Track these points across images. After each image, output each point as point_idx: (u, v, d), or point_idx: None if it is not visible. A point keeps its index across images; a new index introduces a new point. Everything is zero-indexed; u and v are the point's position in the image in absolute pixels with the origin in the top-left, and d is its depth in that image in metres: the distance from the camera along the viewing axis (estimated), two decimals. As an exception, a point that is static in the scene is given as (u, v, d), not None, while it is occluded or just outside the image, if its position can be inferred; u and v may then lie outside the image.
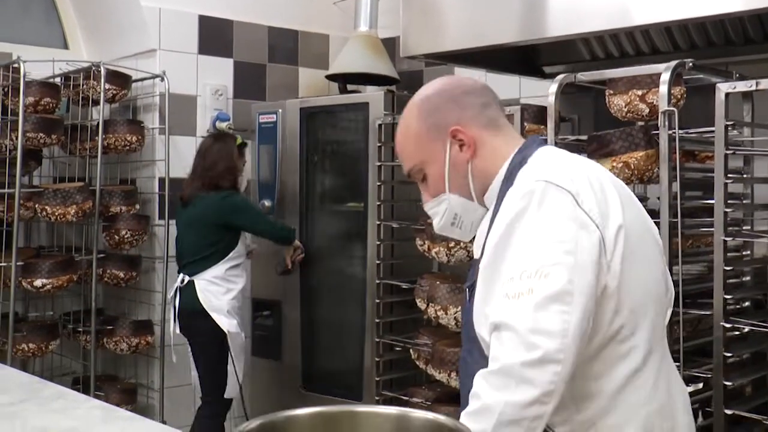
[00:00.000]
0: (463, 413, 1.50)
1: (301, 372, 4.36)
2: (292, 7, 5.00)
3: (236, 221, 4.06)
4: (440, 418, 1.25)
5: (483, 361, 1.54)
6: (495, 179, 1.68)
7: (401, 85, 4.53)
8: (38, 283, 4.11)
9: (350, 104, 4.22)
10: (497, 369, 1.45)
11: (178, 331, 4.08)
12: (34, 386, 2.39)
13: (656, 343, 1.62)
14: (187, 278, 4.04)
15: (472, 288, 1.62)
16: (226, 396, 4.06)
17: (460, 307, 3.32)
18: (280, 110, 4.48)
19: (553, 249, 1.47)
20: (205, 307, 3.99)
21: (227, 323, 4.01)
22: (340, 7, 4.95)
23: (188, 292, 4.03)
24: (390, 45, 4.71)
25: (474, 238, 1.79)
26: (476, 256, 1.71)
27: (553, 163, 1.62)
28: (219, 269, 4.04)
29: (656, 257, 1.67)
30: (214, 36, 4.70)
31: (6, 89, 4.19)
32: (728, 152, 2.47)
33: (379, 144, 3.70)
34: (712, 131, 2.54)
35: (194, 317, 4.02)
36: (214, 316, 3.99)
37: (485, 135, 1.70)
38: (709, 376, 2.50)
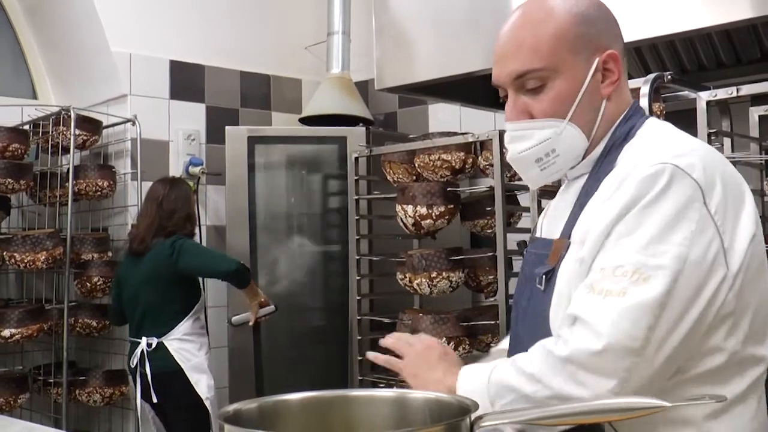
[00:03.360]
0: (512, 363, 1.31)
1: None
2: (263, 52, 4.99)
3: (182, 264, 3.72)
4: (441, 395, 1.17)
5: None
6: (594, 150, 1.41)
7: (375, 127, 4.50)
8: (6, 333, 3.97)
9: (328, 137, 4.17)
10: (564, 357, 1.23)
11: (154, 400, 3.73)
12: (0, 423, 2.28)
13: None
14: (155, 340, 3.75)
15: (551, 275, 1.37)
16: None
17: (444, 339, 3.25)
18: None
19: (661, 249, 1.22)
20: (183, 367, 3.73)
21: (206, 385, 3.76)
22: (312, 51, 4.95)
23: (160, 354, 3.74)
24: (363, 88, 4.72)
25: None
26: (546, 234, 1.49)
27: (682, 144, 1.35)
28: (187, 324, 3.80)
29: None
30: (186, 81, 4.68)
31: (-27, 137, 4.12)
32: (712, 160, 2.44)
33: (356, 177, 3.66)
34: (694, 143, 2.52)
35: (172, 382, 3.73)
36: (193, 377, 3.74)
37: (622, 80, 1.42)
38: None
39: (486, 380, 1.31)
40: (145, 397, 3.77)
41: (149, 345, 3.76)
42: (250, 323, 3.95)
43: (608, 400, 1.07)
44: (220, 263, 3.75)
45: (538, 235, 1.55)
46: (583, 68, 1.37)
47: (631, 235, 1.25)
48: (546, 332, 1.35)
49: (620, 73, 1.40)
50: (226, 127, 4.29)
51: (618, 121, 1.41)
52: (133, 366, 3.81)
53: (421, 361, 1.45)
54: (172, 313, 3.80)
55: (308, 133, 4.28)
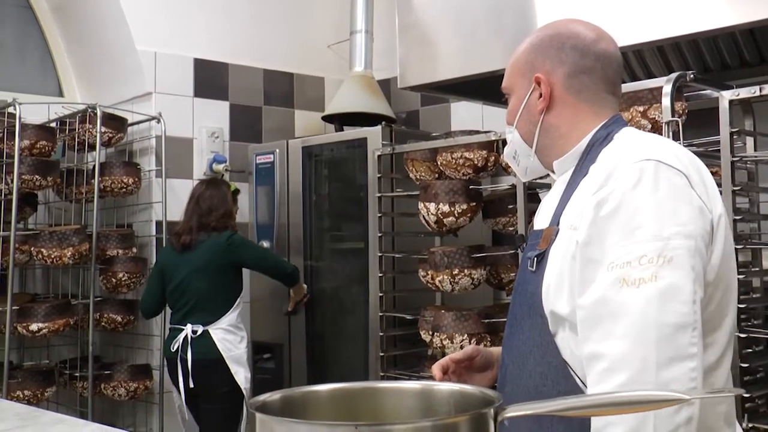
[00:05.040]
0: None
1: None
2: (286, 51, 5.04)
3: (243, 256, 3.93)
4: (466, 387, 1.20)
5: (541, 336, 1.48)
6: (574, 148, 1.59)
7: (397, 125, 4.53)
8: (34, 327, 4.04)
9: (350, 140, 4.20)
10: (626, 380, 1.28)
11: (191, 385, 3.78)
12: (32, 414, 2.33)
13: (729, 343, 1.49)
14: (201, 328, 3.84)
15: (542, 257, 1.51)
16: None
17: (466, 336, 3.27)
18: (277, 150, 4.48)
19: (674, 233, 1.35)
20: (225, 357, 3.81)
21: (243, 376, 3.86)
22: (335, 49, 4.99)
23: (204, 342, 3.81)
24: (385, 86, 4.74)
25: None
26: (537, 226, 1.64)
27: (654, 143, 1.51)
28: (232, 316, 3.91)
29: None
30: (210, 79, 4.72)
31: (1, 134, 4.18)
32: (735, 159, 2.46)
33: (379, 175, 3.68)
34: (717, 142, 2.53)
35: (212, 369, 3.81)
36: (233, 367, 3.83)
37: (571, 97, 1.60)
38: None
39: None
40: (183, 383, 3.82)
41: (194, 332, 3.83)
42: (289, 308, 4.30)
43: (633, 392, 1.09)
44: (283, 265, 4.15)
45: (535, 228, 1.69)
46: (525, 88, 1.63)
47: (643, 226, 1.36)
48: (537, 308, 1.49)
49: (548, 93, 1.60)
50: (289, 141, 4.51)
51: (598, 127, 1.59)
52: (173, 350, 3.85)
53: None
54: (220, 303, 3.89)
55: (329, 140, 4.33)
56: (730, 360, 1.50)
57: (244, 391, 3.85)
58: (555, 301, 1.46)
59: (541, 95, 1.60)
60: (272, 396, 1.13)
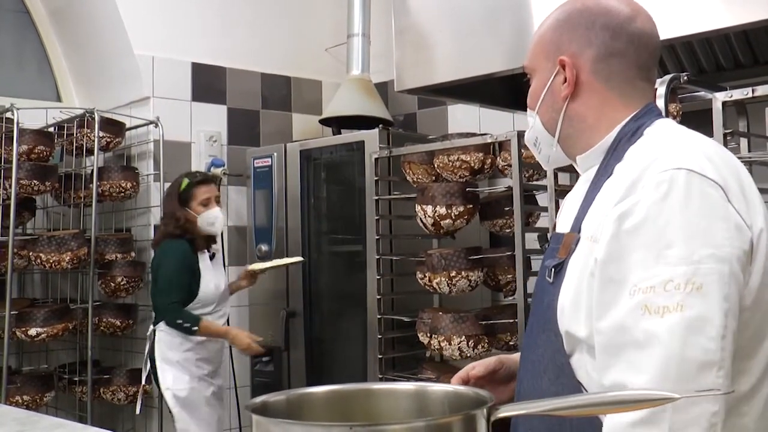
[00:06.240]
0: None
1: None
2: (284, 54, 5.05)
3: (153, 261, 3.90)
4: (459, 388, 1.21)
5: (555, 355, 1.37)
6: (600, 142, 1.45)
7: (395, 128, 4.54)
8: (33, 332, 4.05)
9: (348, 144, 4.21)
10: (643, 416, 1.17)
11: (143, 382, 3.91)
12: (31, 419, 2.34)
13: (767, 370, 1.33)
14: (151, 327, 3.89)
15: (560, 268, 1.39)
16: None
17: (463, 337, 3.28)
18: (275, 154, 4.49)
19: (706, 255, 1.20)
20: (156, 357, 3.82)
21: (171, 377, 3.79)
22: (332, 53, 5.00)
23: (151, 341, 3.87)
24: (382, 89, 4.75)
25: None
26: (560, 229, 1.50)
27: (688, 145, 1.34)
28: None
29: None
30: (208, 83, 4.73)
31: (-1, 139, 4.20)
32: (729, 160, 2.46)
33: (376, 178, 3.69)
34: (711, 143, 2.54)
35: (154, 369, 3.87)
36: (161, 367, 3.81)
37: (599, 84, 1.45)
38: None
39: None
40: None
41: (152, 331, 3.88)
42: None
43: (620, 392, 1.10)
44: (160, 298, 3.80)
45: (557, 230, 1.56)
46: (549, 71, 1.49)
47: (669, 246, 1.22)
48: (552, 324, 1.37)
49: (573, 78, 1.45)
50: (286, 144, 4.49)
51: (628, 119, 1.44)
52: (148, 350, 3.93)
53: None
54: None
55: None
56: None
57: (165, 392, 3.80)
58: (570, 322, 1.34)
59: (565, 80, 1.46)
60: (269, 398, 1.14)
